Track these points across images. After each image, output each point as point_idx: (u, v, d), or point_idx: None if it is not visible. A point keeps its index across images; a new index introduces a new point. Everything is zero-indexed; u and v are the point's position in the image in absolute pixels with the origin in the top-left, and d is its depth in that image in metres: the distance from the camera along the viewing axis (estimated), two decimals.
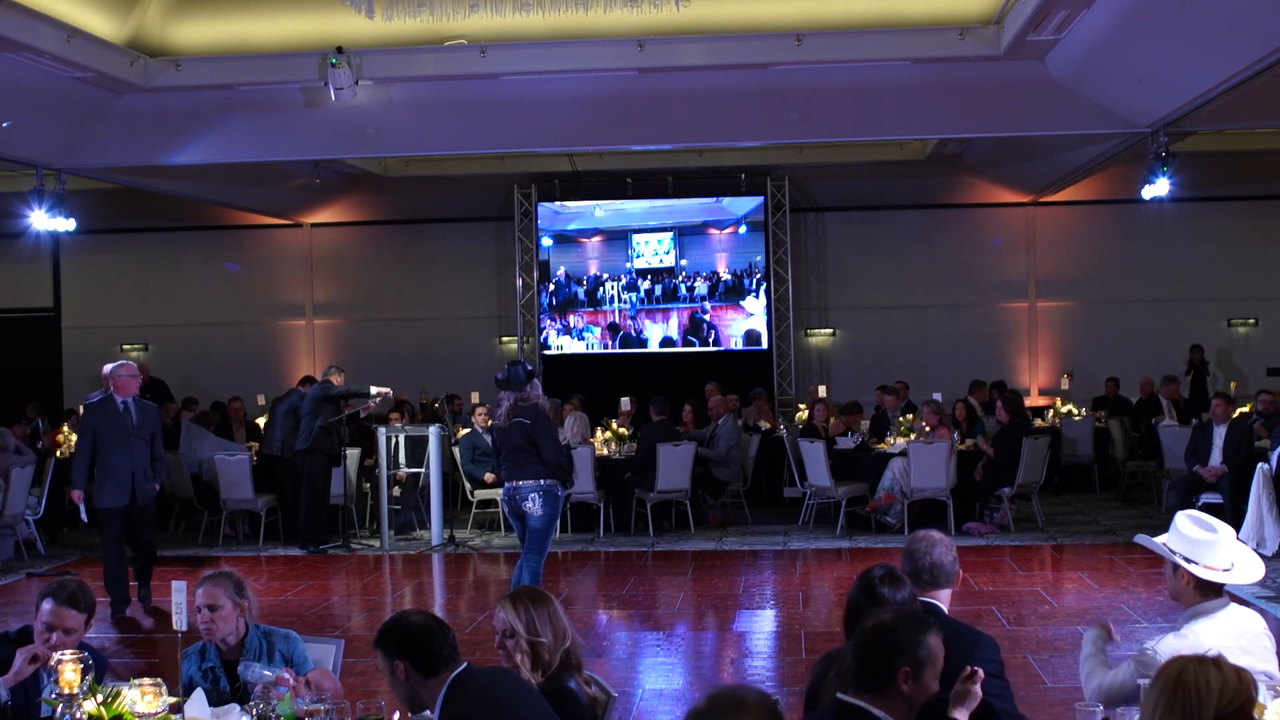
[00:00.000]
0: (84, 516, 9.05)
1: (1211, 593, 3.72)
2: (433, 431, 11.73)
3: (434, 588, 10.16)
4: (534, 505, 7.81)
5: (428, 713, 3.48)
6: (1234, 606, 3.74)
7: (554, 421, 9.32)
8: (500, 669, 3.73)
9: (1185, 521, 3.80)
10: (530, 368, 8.08)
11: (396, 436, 12.18)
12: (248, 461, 11.59)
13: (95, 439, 8.75)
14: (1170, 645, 3.59)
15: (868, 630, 3.12)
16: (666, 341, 16.60)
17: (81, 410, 11.06)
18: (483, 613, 8.66)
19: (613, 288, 16.71)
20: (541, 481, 7.82)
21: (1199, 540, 3.73)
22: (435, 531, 11.52)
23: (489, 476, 11.57)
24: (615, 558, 10.81)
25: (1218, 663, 2.64)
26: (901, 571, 3.94)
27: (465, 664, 3.50)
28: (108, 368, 9.02)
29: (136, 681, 3.59)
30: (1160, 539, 3.87)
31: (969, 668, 3.46)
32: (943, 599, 4.00)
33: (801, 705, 3.77)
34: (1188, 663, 2.65)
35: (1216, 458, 10.78)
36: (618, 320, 16.70)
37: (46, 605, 4.07)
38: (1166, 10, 9.11)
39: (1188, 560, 3.73)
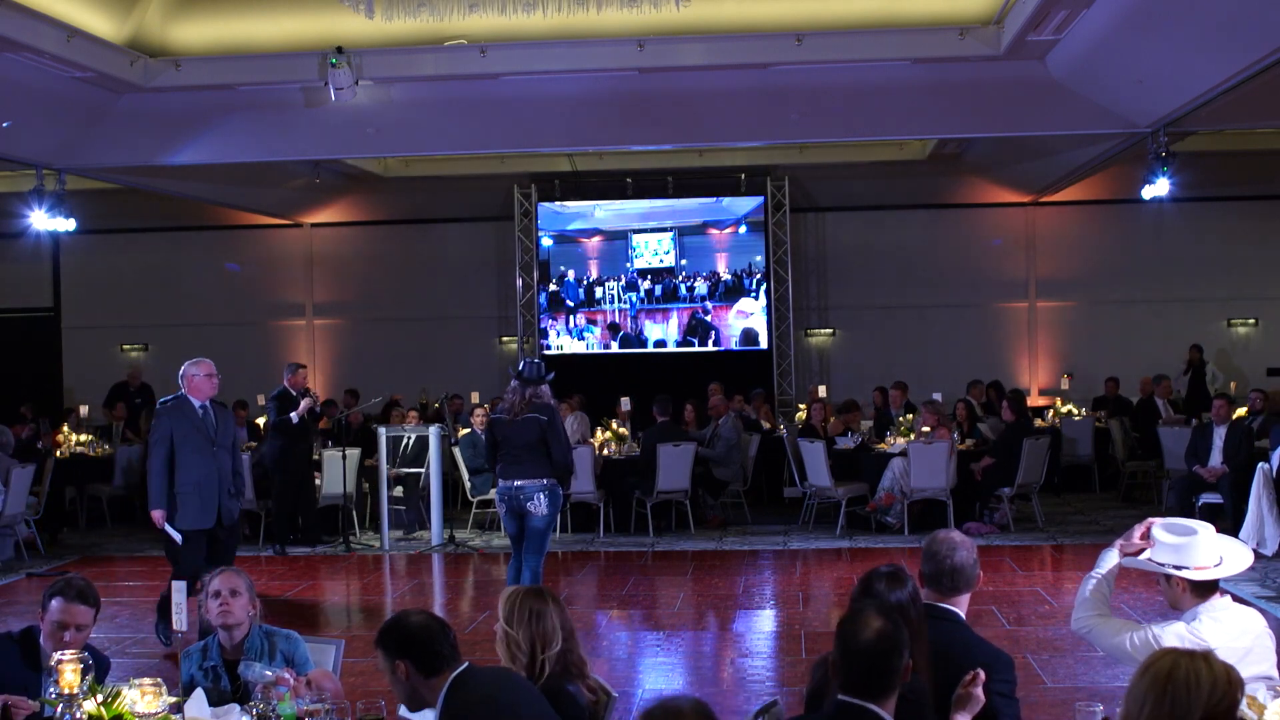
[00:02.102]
0: (177, 538, 7.49)
1: (1208, 591, 3.73)
2: (433, 431, 11.73)
3: (434, 588, 10.16)
4: (539, 505, 7.82)
5: (428, 712, 3.48)
6: (1236, 606, 3.75)
7: None
8: (502, 669, 3.73)
9: (1162, 532, 3.83)
10: (544, 372, 8.09)
11: (409, 437, 12.24)
12: (246, 462, 11.56)
13: (172, 448, 7.51)
14: (1177, 636, 3.60)
15: (870, 639, 3.04)
16: (680, 342, 16.59)
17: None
18: (483, 613, 8.66)
19: (613, 288, 16.71)
20: (545, 481, 7.84)
21: (1180, 545, 3.75)
22: (435, 531, 11.52)
23: None
24: (615, 558, 10.81)
25: (1208, 659, 2.64)
26: (920, 573, 3.86)
27: (466, 664, 3.50)
28: (186, 367, 7.74)
29: (136, 681, 3.59)
30: (1144, 556, 3.88)
31: (971, 672, 3.46)
32: (961, 605, 3.85)
33: (802, 705, 3.77)
34: (1178, 657, 2.64)
35: (1216, 458, 10.79)
36: (618, 320, 16.70)
37: (56, 603, 4.06)
38: (1166, 10, 9.11)
39: (1177, 567, 3.73)
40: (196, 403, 7.64)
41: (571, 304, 16.69)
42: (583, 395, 14.09)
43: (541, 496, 7.81)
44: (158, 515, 7.49)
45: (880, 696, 3.04)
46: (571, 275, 16.70)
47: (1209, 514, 10.17)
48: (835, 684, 3.13)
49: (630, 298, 16.64)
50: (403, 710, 3.54)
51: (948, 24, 10.74)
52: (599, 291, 16.70)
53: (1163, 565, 3.78)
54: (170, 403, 7.70)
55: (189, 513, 7.47)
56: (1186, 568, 3.73)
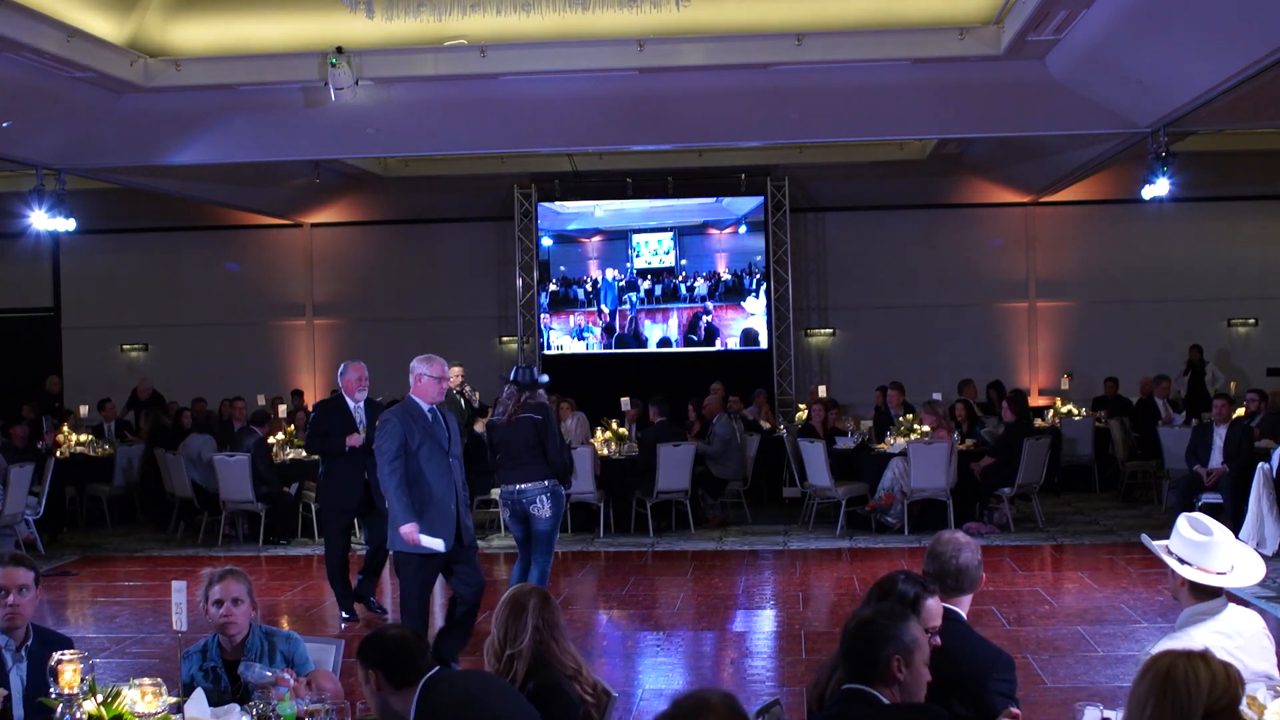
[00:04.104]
0: (437, 545, 6.73)
1: (1207, 594, 3.71)
2: None
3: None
4: (542, 507, 7.80)
5: None
6: (1232, 607, 3.73)
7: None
8: (475, 670, 3.77)
9: (1184, 524, 3.81)
10: (530, 376, 8.08)
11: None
12: (247, 462, 11.57)
13: (405, 459, 6.69)
14: (1166, 648, 3.59)
15: (852, 630, 3.29)
16: (683, 342, 16.59)
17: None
18: (483, 613, 8.64)
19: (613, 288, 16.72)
20: (546, 482, 7.83)
21: (1196, 543, 3.73)
22: None
23: None
24: (615, 558, 10.81)
25: (1206, 658, 2.64)
26: (924, 573, 3.88)
27: (436, 667, 3.57)
28: (415, 364, 6.81)
29: (136, 681, 3.60)
30: (1161, 541, 3.87)
31: (1013, 710, 3.51)
32: (964, 605, 3.90)
33: (802, 705, 3.77)
34: (1176, 658, 2.65)
35: (1216, 458, 10.78)
36: (615, 321, 16.70)
37: None
38: (1166, 10, 9.11)
39: (1183, 562, 3.72)
40: (425, 406, 6.78)
41: (610, 308, 16.62)
42: (575, 397, 13.93)
43: (544, 499, 7.80)
44: (409, 529, 6.61)
45: (875, 681, 3.19)
46: (610, 275, 16.62)
47: (1208, 514, 10.16)
48: (841, 677, 3.31)
49: (630, 298, 16.64)
50: None
51: (948, 24, 10.74)
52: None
53: (1170, 555, 3.77)
54: (400, 404, 6.92)
55: (431, 531, 6.71)
56: (1191, 565, 3.71)
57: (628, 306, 16.65)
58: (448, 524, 6.71)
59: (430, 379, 6.73)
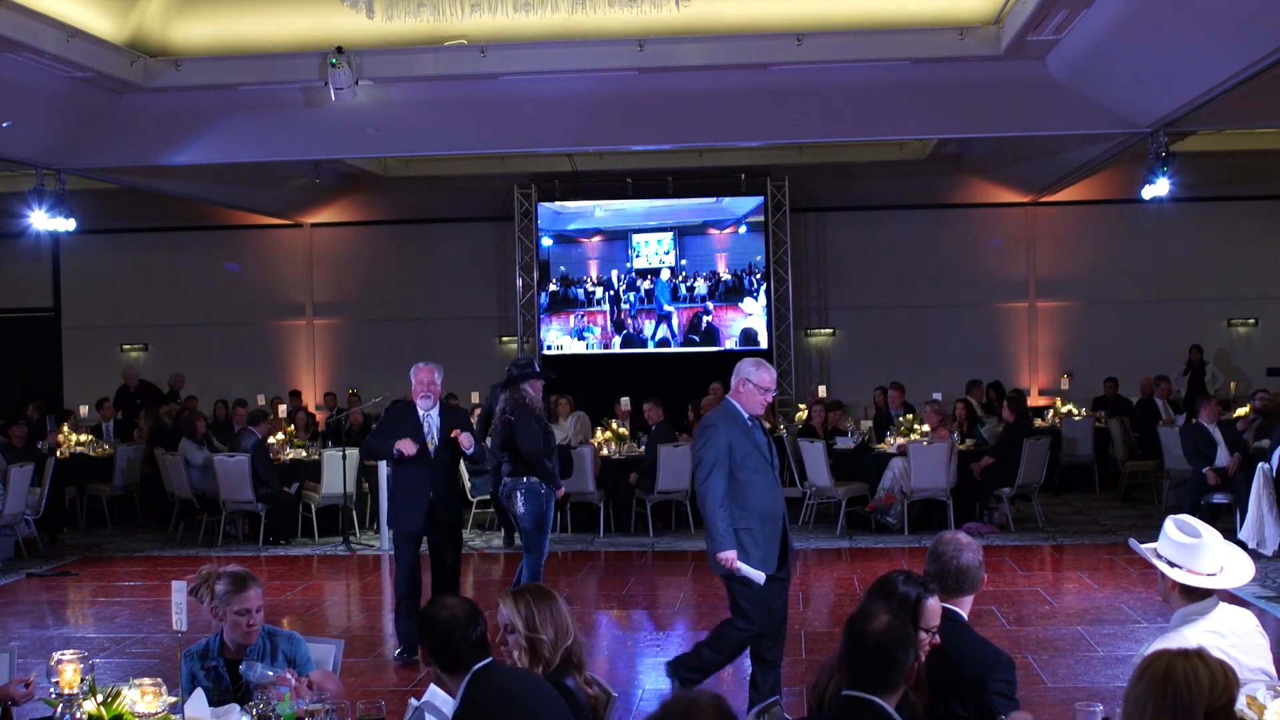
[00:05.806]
0: (758, 577, 5.73)
1: (1198, 595, 3.71)
2: None
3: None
4: (515, 503, 7.81)
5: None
6: (1224, 606, 3.73)
7: (546, 418, 8.55)
8: (523, 670, 3.76)
9: (1171, 527, 3.80)
10: (518, 370, 8.06)
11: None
12: (247, 462, 11.57)
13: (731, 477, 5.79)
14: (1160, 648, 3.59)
15: (877, 632, 3.11)
16: (682, 342, 16.58)
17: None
18: (483, 611, 8.64)
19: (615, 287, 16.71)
20: (523, 480, 7.79)
21: (1184, 545, 3.71)
22: None
23: None
24: (615, 558, 10.81)
25: (1203, 656, 2.63)
26: (925, 573, 3.87)
27: (489, 659, 3.56)
28: (747, 368, 6.07)
29: (136, 681, 3.60)
30: (1149, 545, 3.87)
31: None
32: (965, 606, 3.89)
33: (802, 705, 3.77)
34: (1174, 657, 2.63)
35: (1224, 455, 10.69)
36: (619, 319, 16.68)
37: None
38: (1166, 10, 9.11)
39: (1172, 565, 3.72)
40: (745, 414, 5.99)
41: (657, 314, 16.57)
42: (572, 395, 13.92)
43: (518, 495, 7.78)
44: (728, 556, 5.68)
45: (884, 690, 3.09)
46: (665, 276, 16.57)
47: (1211, 514, 10.18)
48: (842, 679, 3.18)
49: (630, 298, 16.64)
50: (426, 696, 3.59)
51: (948, 24, 10.74)
52: (599, 292, 16.69)
53: (1160, 559, 3.77)
54: (720, 417, 6.04)
55: (757, 553, 5.78)
56: (1181, 568, 3.71)
57: (628, 306, 16.64)
58: (774, 542, 5.84)
59: (755, 388, 5.96)
